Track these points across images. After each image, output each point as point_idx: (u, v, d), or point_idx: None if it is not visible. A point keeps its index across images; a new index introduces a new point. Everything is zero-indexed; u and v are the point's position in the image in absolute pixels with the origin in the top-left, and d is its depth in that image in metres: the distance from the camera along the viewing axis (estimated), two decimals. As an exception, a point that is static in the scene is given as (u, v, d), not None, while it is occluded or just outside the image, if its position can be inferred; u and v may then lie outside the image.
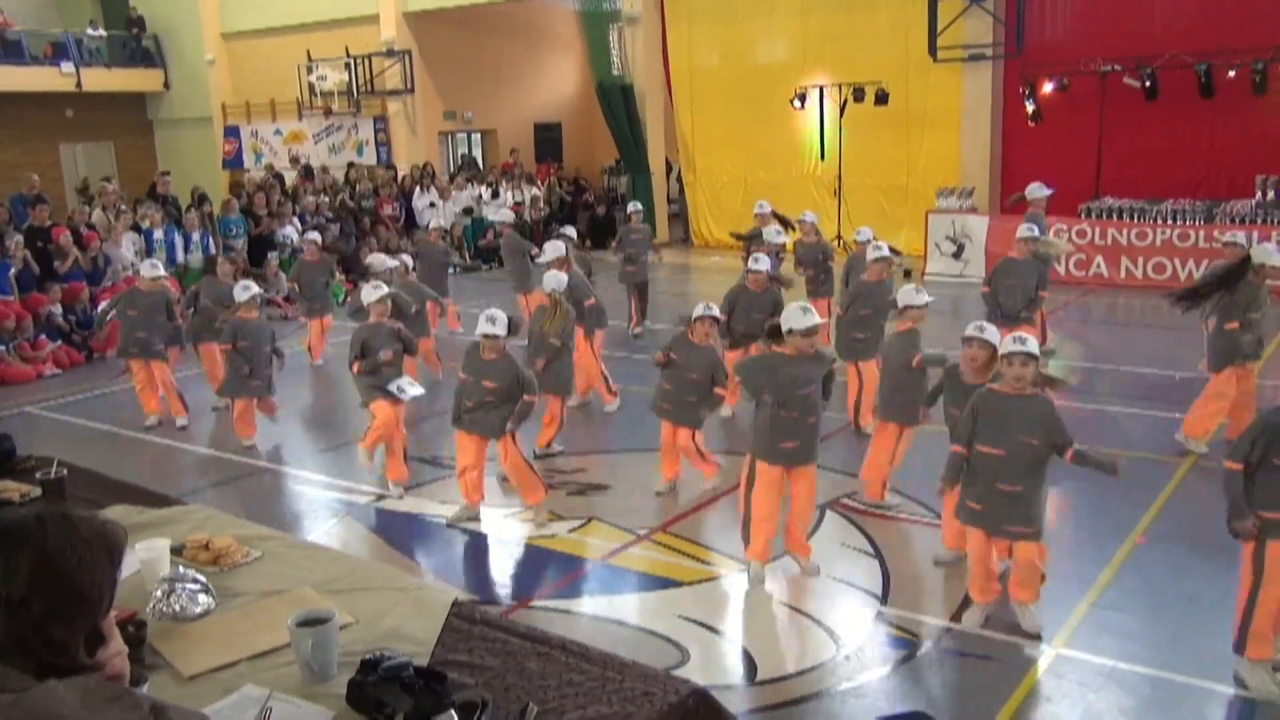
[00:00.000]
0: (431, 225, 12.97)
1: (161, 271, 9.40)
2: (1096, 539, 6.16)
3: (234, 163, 22.59)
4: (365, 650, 2.53)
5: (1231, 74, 14.35)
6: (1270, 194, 14.06)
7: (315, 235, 12.08)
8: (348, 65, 20.56)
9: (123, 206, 14.61)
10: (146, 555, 3.09)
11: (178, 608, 2.88)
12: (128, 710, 1.51)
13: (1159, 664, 4.77)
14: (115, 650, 1.69)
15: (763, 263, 8.60)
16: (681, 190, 21.13)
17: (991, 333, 5.47)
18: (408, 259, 10.50)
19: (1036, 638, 4.97)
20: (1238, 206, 13.99)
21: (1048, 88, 15.80)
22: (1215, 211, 14.03)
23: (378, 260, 10.31)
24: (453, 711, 2.30)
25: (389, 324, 7.47)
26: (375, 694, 2.36)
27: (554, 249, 9.46)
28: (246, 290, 8.38)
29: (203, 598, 2.93)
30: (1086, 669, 4.77)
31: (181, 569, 3.06)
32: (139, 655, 2.61)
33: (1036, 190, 11.44)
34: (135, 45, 23.59)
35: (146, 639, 2.70)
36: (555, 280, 7.98)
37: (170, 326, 9.20)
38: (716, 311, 7.07)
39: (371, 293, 7.53)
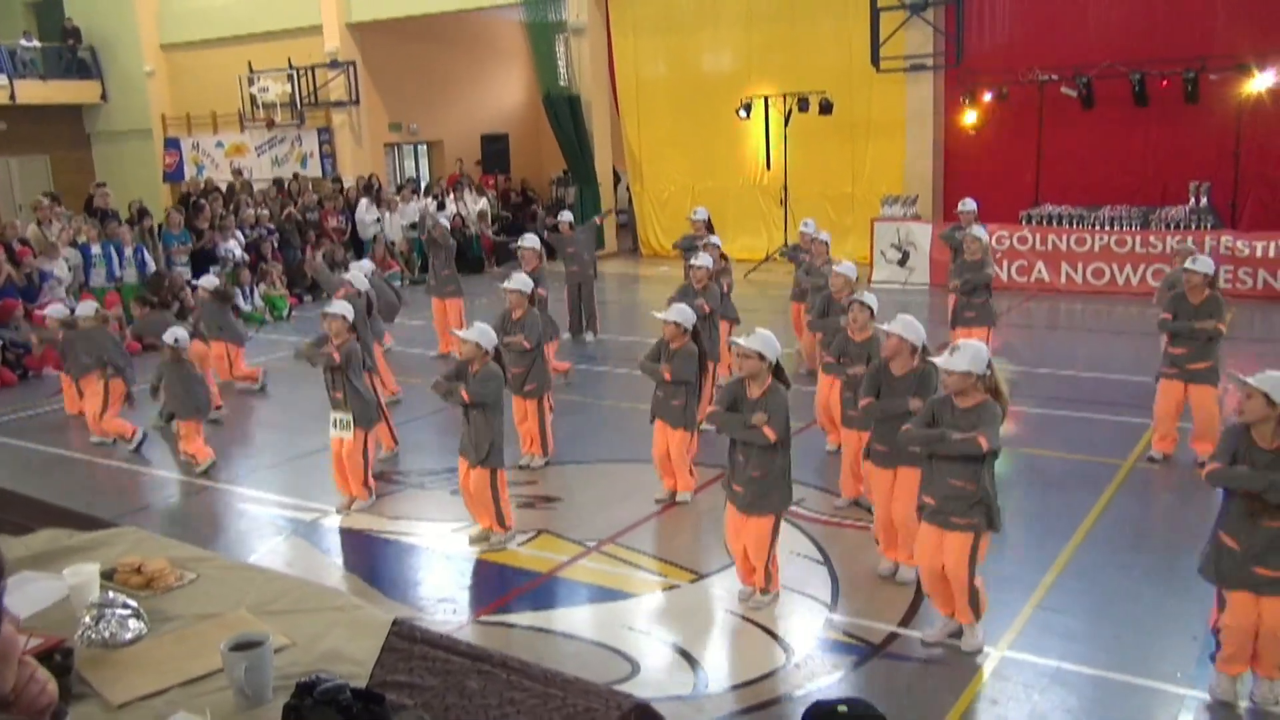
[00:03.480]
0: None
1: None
2: (1040, 541, 6.24)
3: (174, 175, 22.22)
4: (302, 673, 2.47)
5: (1164, 83, 14.68)
6: (1203, 199, 14.40)
7: (211, 280, 11.57)
8: (290, 76, 20.34)
9: (60, 222, 14.27)
10: (74, 580, 2.99)
11: (107, 634, 2.79)
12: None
13: (1102, 664, 4.84)
14: (35, 676, 1.63)
15: (701, 259, 8.73)
16: (630, 200, 21.16)
17: (900, 324, 5.59)
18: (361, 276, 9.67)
19: (973, 654, 4.98)
20: (1172, 212, 14.30)
21: (987, 97, 16.06)
22: (1151, 217, 14.34)
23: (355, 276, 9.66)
24: (391, 734, 2.26)
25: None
26: (311, 718, 2.30)
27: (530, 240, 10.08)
28: (174, 336, 8.37)
29: (134, 623, 2.84)
30: (1032, 671, 4.82)
31: (111, 594, 2.96)
32: (66, 685, 2.52)
33: (964, 204, 11.92)
34: (71, 56, 23.12)
35: (74, 667, 2.61)
36: (521, 281, 7.97)
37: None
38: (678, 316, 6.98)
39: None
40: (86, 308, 9.33)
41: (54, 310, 9.68)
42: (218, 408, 9.47)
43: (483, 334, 6.31)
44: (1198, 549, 4.61)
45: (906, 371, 5.60)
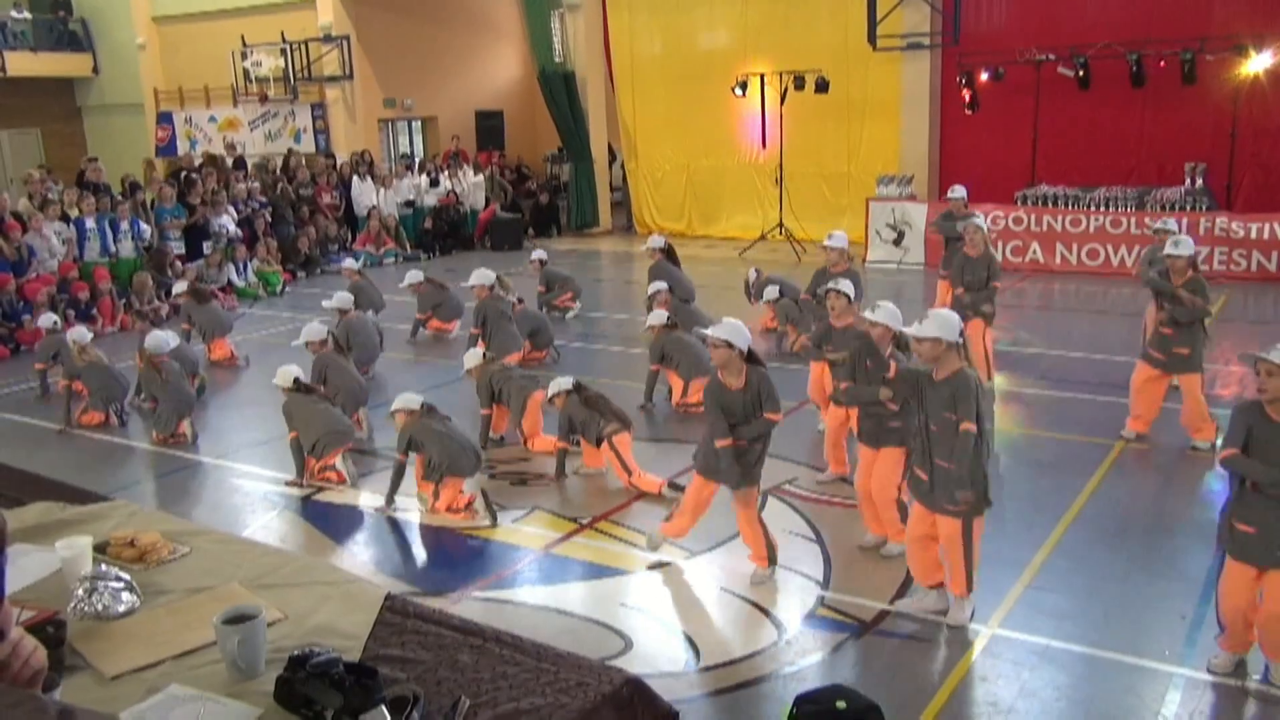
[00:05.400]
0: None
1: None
2: (1031, 521, 6.26)
3: (167, 150, 22.06)
4: (295, 646, 2.47)
5: (1161, 64, 14.64)
6: (1199, 180, 14.39)
7: (180, 284, 12.08)
8: (284, 51, 20.16)
9: (50, 195, 14.19)
10: (67, 553, 2.99)
11: (100, 607, 2.79)
12: (32, 715, 1.45)
13: (1091, 642, 4.87)
14: (19, 647, 1.63)
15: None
16: (624, 178, 21.10)
17: (883, 313, 5.67)
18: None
19: (961, 628, 5.01)
20: (1168, 193, 14.29)
21: (984, 77, 16.00)
22: (1146, 198, 14.33)
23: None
24: (383, 707, 2.26)
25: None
26: (303, 691, 2.30)
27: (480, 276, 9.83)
28: (166, 344, 8.78)
29: (126, 596, 2.85)
30: (1022, 648, 4.85)
31: (104, 567, 2.97)
32: (58, 657, 2.52)
33: (954, 191, 11.78)
34: (62, 28, 22.92)
35: (66, 639, 2.61)
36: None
37: None
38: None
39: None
40: (80, 335, 9.15)
41: (76, 334, 9.19)
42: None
43: None
44: (1186, 530, 4.65)
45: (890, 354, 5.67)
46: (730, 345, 5.32)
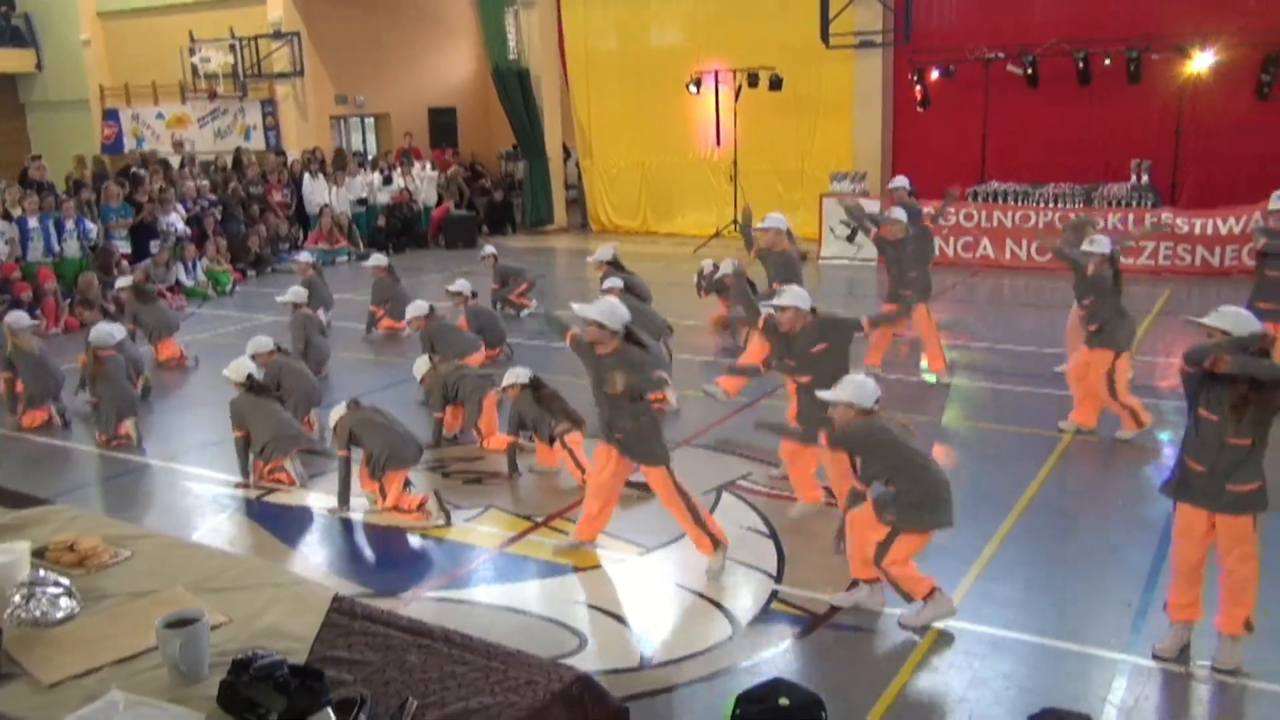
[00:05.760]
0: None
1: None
2: (981, 513, 6.33)
3: (113, 147, 21.67)
4: (239, 650, 2.44)
5: (1107, 62, 14.88)
6: (1144, 177, 14.64)
7: (125, 280, 11.91)
8: (233, 47, 19.89)
9: (-8, 194, 13.88)
10: (3, 559, 2.93)
11: (38, 613, 2.74)
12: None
13: (1040, 631, 4.94)
14: None
15: None
16: (579, 175, 21.05)
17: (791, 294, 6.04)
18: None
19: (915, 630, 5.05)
20: (1114, 189, 14.54)
21: (935, 74, 16.17)
22: (1093, 194, 14.56)
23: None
24: (329, 710, 2.24)
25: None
26: (247, 695, 2.28)
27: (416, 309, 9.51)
28: (112, 337, 8.62)
29: (65, 601, 2.80)
30: (973, 639, 4.91)
31: (43, 572, 2.91)
32: (-7, 665, 2.47)
33: (896, 182, 11.65)
34: (4, 24, 22.41)
35: (2, 647, 2.56)
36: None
37: None
38: None
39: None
40: (17, 320, 8.90)
41: (12, 319, 8.95)
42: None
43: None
44: (1131, 520, 4.73)
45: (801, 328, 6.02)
46: (602, 326, 5.39)
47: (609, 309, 5.49)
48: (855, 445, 5.05)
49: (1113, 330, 7.34)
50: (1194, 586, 4.62)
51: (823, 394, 5.13)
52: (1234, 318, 4.45)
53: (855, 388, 4.98)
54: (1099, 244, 7.42)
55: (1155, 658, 4.66)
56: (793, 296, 5.94)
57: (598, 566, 5.86)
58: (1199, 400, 4.43)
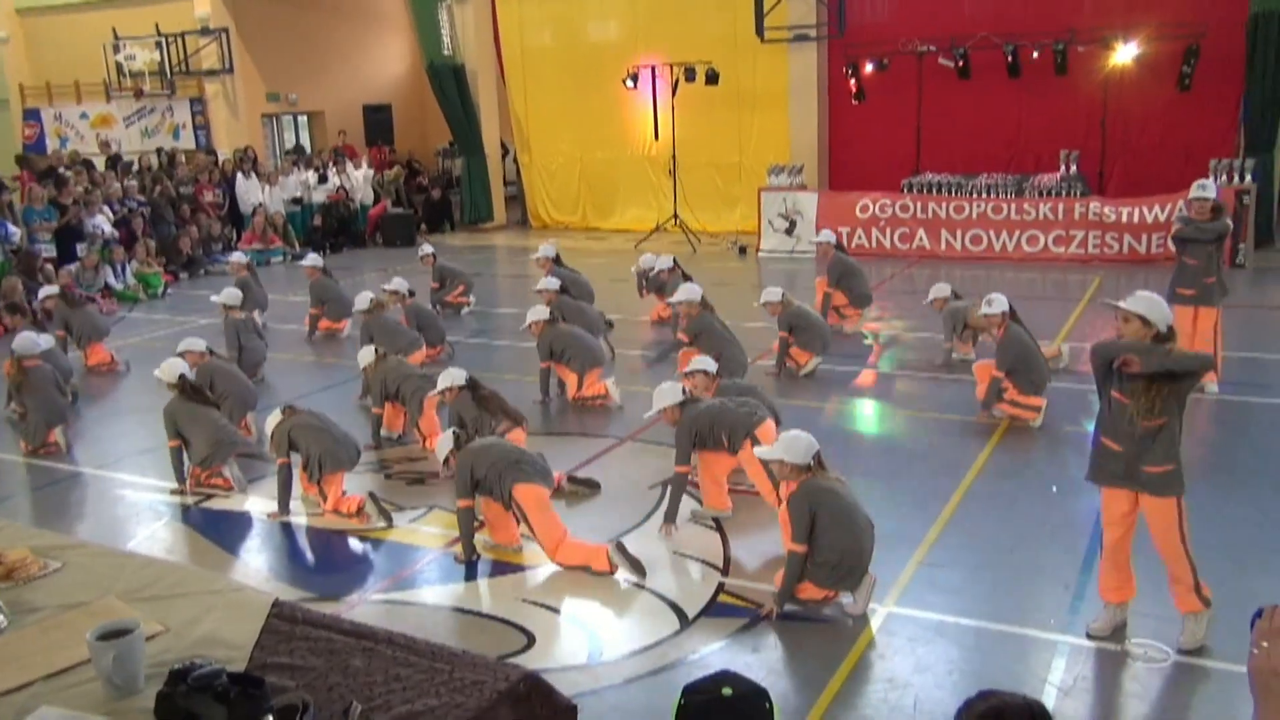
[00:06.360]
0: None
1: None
2: (923, 500, 6.42)
3: (35, 148, 21.05)
4: (176, 660, 2.38)
5: (1035, 54, 15.18)
6: (1073, 167, 14.95)
7: (49, 288, 11.43)
8: (159, 44, 19.45)
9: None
10: (-74, 574, 2.83)
11: (-37, 629, 2.65)
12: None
13: (982, 615, 5.02)
14: None
15: None
16: (518, 171, 20.94)
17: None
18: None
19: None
20: (1044, 180, 14.82)
21: (869, 68, 16.35)
22: (1025, 185, 14.83)
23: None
24: (270, 717, 2.19)
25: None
26: (185, 706, 2.22)
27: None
28: (37, 345, 8.38)
29: (-8, 616, 2.71)
30: (916, 625, 4.97)
31: (-33, 586, 2.82)
32: (-83, 683, 2.38)
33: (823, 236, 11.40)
34: (-84, 22, 21.65)
35: (-74, 665, 2.47)
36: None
37: None
38: None
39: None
40: None
41: None
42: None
43: None
44: (1068, 503, 4.83)
45: None
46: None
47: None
48: (789, 511, 5.00)
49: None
50: (1121, 568, 4.73)
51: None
52: (1149, 304, 4.49)
53: (789, 443, 5.06)
54: (997, 303, 7.81)
55: (1089, 637, 4.76)
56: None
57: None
58: (1110, 384, 4.53)
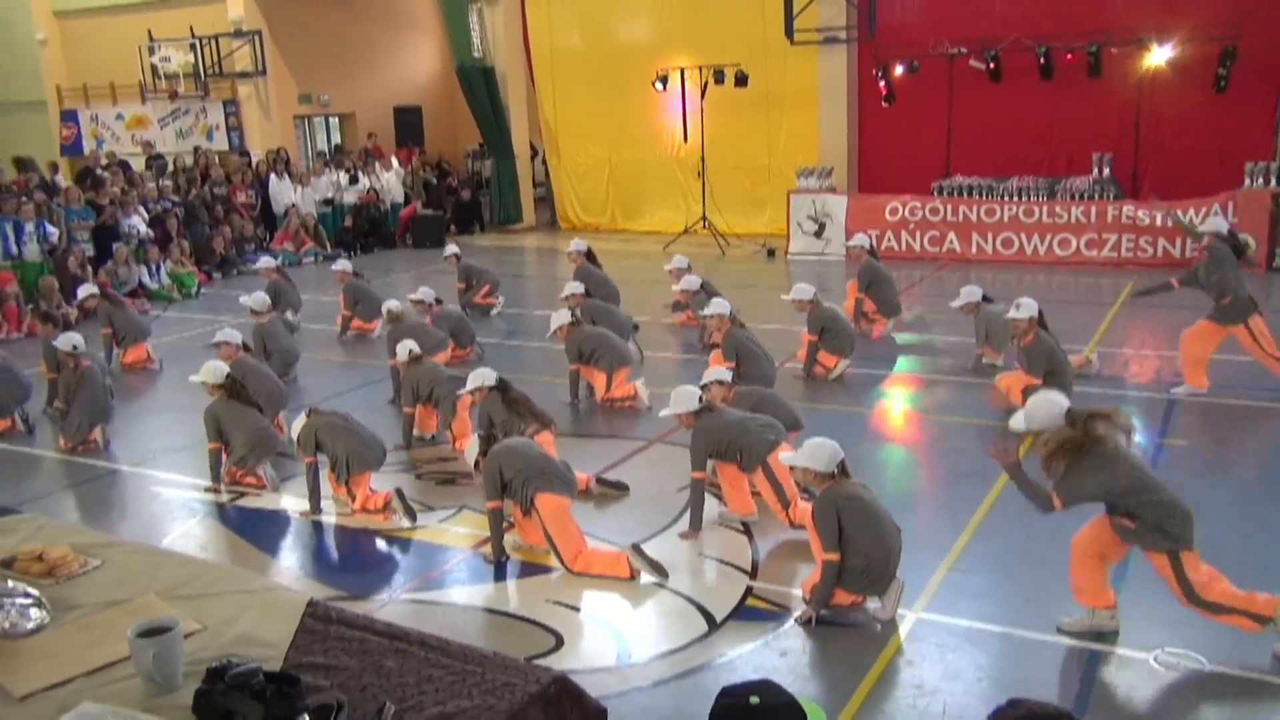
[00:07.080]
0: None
1: None
2: (952, 506, 6.40)
3: (73, 149, 21.37)
4: (213, 658, 2.42)
5: (1069, 57, 15.05)
6: (1106, 170, 14.82)
7: (88, 288, 11.57)
8: (193, 46, 19.67)
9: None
10: (-30, 571, 2.89)
11: (7, 625, 2.70)
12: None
13: (1010, 622, 4.99)
14: None
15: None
16: (547, 173, 21.00)
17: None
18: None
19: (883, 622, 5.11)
20: (1077, 183, 14.70)
21: (899, 70, 16.27)
22: (1057, 188, 14.71)
23: None
24: (306, 716, 2.23)
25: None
26: (223, 703, 2.26)
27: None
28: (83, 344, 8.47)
29: (35, 612, 2.76)
30: (945, 631, 4.95)
31: (11, 583, 2.87)
32: (-37, 678, 2.44)
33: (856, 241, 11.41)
34: (-44, 25, 22.02)
35: (-29, 660, 2.53)
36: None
37: None
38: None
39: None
40: None
41: None
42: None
43: None
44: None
45: None
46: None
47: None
48: (815, 520, 5.05)
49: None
50: (1096, 572, 4.83)
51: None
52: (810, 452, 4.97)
53: (812, 451, 5.08)
54: (1026, 307, 7.79)
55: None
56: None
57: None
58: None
